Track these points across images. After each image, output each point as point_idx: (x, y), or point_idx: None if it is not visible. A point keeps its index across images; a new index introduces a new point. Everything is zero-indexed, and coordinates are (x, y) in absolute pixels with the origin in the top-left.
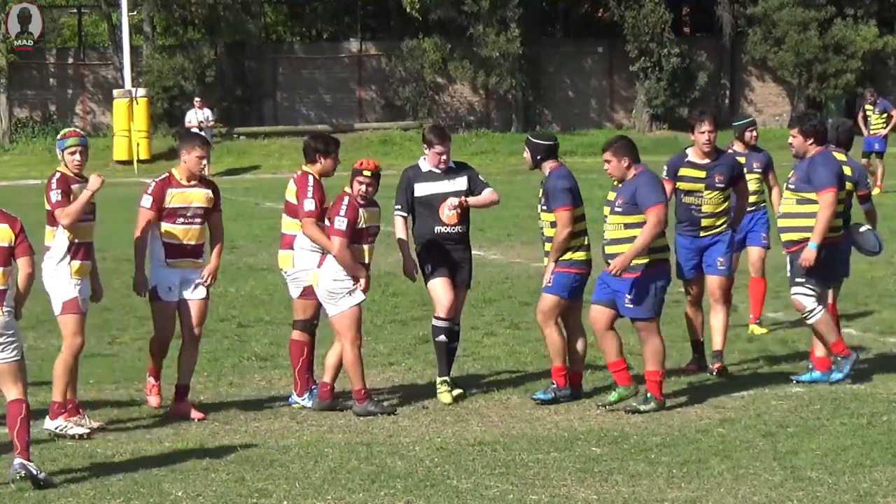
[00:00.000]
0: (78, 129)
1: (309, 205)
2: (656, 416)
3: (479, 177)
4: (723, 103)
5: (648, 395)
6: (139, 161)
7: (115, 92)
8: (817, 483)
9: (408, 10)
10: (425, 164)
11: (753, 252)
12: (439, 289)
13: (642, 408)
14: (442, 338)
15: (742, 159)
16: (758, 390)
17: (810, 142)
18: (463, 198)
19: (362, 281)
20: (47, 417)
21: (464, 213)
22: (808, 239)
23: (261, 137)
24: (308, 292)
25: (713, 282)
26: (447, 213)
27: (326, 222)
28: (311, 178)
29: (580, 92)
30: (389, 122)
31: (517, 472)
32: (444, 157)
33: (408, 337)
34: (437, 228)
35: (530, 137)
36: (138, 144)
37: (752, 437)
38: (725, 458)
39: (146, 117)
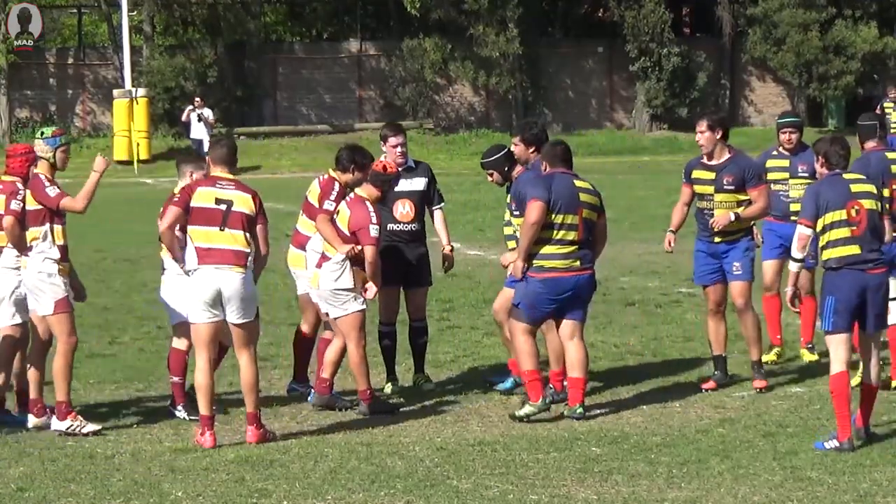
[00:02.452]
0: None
1: (329, 205)
2: (656, 416)
3: (438, 187)
4: (723, 103)
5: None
6: (139, 161)
7: (115, 92)
8: (817, 483)
9: (408, 9)
10: None
11: (802, 273)
12: (383, 298)
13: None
14: (386, 342)
15: (786, 162)
16: (758, 390)
17: (531, 150)
18: (447, 250)
19: (373, 288)
20: (54, 418)
21: (418, 211)
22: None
23: (261, 137)
24: None
25: (734, 288)
26: (401, 210)
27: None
28: (336, 185)
29: (580, 92)
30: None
31: (517, 472)
32: (399, 149)
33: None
34: (391, 226)
35: (485, 160)
36: (138, 144)
37: (752, 437)
38: (725, 458)
39: (146, 117)
